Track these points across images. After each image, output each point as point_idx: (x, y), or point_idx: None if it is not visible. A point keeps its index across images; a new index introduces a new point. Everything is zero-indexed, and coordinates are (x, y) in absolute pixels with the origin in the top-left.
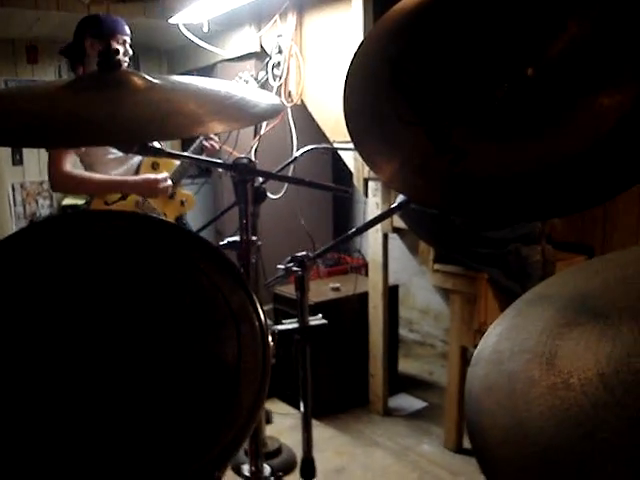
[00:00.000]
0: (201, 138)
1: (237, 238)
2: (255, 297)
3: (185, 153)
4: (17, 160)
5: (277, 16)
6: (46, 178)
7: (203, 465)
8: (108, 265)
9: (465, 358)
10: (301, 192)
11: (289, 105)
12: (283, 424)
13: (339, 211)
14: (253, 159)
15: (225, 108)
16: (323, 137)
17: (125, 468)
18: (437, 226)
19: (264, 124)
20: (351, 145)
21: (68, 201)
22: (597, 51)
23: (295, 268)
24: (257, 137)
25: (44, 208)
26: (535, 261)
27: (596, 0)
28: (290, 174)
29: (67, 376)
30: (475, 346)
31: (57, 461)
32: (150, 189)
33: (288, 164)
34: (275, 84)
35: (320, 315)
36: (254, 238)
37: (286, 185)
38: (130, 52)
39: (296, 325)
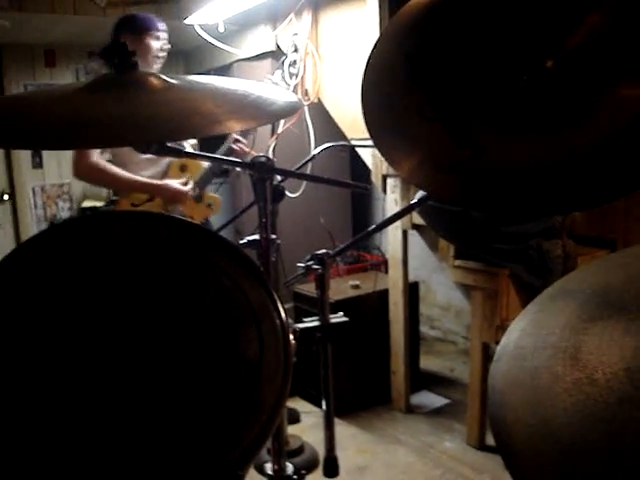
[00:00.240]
0: (229, 141)
1: (257, 237)
2: (275, 295)
3: (203, 153)
4: (37, 163)
5: (292, 14)
6: (66, 181)
7: (226, 464)
8: (128, 266)
9: (487, 354)
10: (319, 190)
11: (306, 103)
12: (305, 422)
13: (358, 208)
14: (271, 157)
15: (242, 107)
16: (341, 135)
17: (148, 467)
18: (456, 223)
19: (281, 123)
20: (369, 142)
21: (88, 203)
22: (616, 42)
23: (315, 266)
24: (275, 136)
25: (64, 211)
26: (556, 256)
27: None
28: (308, 172)
29: (90, 377)
30: (497, 342)
31: (80, 460)
32: (167, 196)
33: (306, 162)
34: (292, 82)
35: (341, 313)
36: (274, 236)
37: (304, 183)
38: (168, 46)
39: (317, 323)
